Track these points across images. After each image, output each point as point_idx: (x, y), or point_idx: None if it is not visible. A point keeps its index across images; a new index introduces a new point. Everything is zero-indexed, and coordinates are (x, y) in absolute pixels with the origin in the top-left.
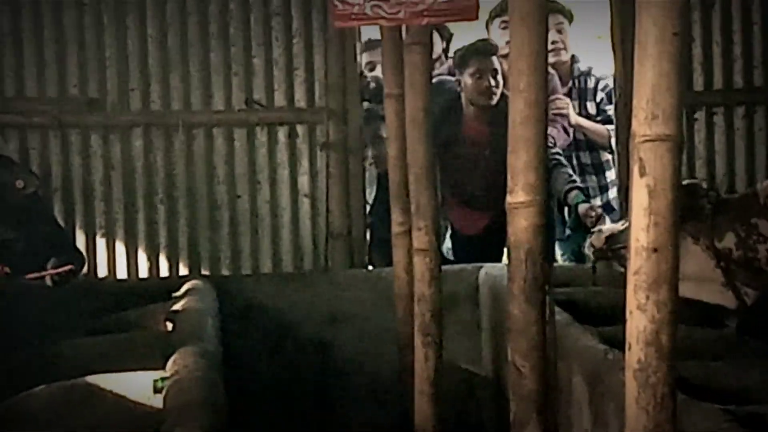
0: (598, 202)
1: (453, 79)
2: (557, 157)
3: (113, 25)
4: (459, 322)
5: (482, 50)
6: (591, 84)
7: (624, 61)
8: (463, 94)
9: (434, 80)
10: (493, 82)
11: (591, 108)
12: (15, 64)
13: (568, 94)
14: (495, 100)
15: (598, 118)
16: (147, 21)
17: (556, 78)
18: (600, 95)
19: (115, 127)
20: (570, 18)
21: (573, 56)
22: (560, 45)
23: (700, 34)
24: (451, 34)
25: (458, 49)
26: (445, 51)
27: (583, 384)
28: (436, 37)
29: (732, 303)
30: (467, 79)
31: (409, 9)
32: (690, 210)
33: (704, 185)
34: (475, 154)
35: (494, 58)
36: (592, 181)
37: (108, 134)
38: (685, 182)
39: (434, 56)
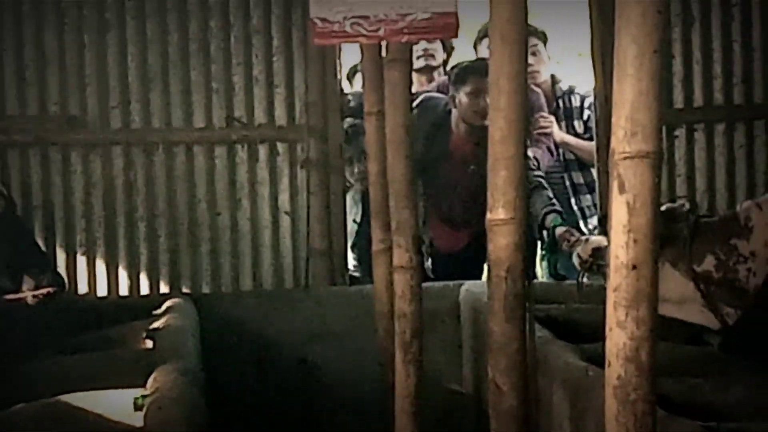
0: (594, 221)
1: (441, 96)
2: (539, 179)
3: (94, 43)
4: (440, 339)
5: (480, 70)
6: (576, 102)
7: (604, 78)
8: (454, 112)
9: (421, 96)
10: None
11: (578, 126)
12: None
13: (554, 115)
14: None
15: (586, 136)
16: (127, 39)
17: (542, 97)
18: (587, 113)
19: (96, 145)
20: (544, 40)
21: (553, 76)
22: (535, 67)
23: (680, 51)
24: (452, 48)
25: (454, 66)
26: (445, 63)
27: (564, 401)
28: (438, 46)
29: (713, 323)
30: (463, 98)
31: (388, 26)
32: (668, 236)
33: (685, 205)
34: (460, 172)
35: None
36: (587, 200)
37: (88, 152)
38: (663, 207)
39: (435, 64)
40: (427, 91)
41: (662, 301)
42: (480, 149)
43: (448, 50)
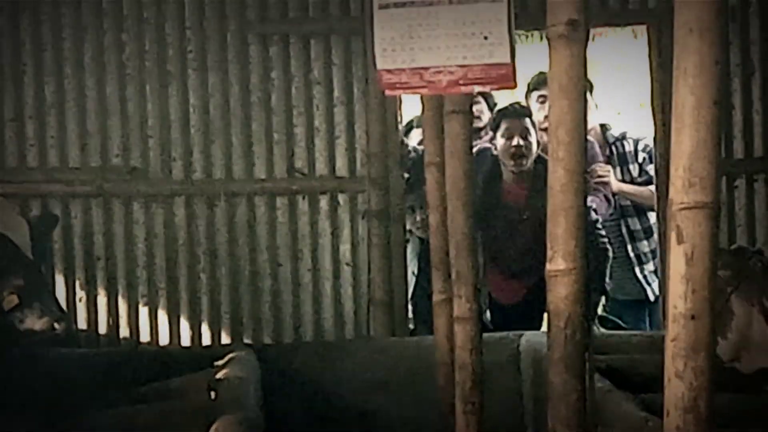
0: (650, 267)
1: (491, 146)
2: (604, 241)
3: (156, 94)
4: (501, 390)
5: (513, 112)
6: (629, 147)
7: (664, 128)
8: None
9: (475, 149)
10: (522, 142)
11: (634, 171)
12: (58, 133)
13: (608, 162)
14: (527, 162)
15: (640, 180)
16: (189, 90)
17: (597, 146)
18: (641, 155)
19: (157, 195)
20: (590, 87)
21: (603, 125)
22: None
23: (740, 101)
24: (495, 104)
25: (496, 111)
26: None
27: None
28: (483, 107)
29: None
30: (499, 140)
31: (447, 77)
32: (740, 272)
33: (751, 248)
34: (514, 220)
35: (526, 120)
36: (643, 246)
37: (150, 203)
38: (732, 247)
39: (481, 125)
40: (480, 144)
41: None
42: (531, 194)
43: (491, 107)
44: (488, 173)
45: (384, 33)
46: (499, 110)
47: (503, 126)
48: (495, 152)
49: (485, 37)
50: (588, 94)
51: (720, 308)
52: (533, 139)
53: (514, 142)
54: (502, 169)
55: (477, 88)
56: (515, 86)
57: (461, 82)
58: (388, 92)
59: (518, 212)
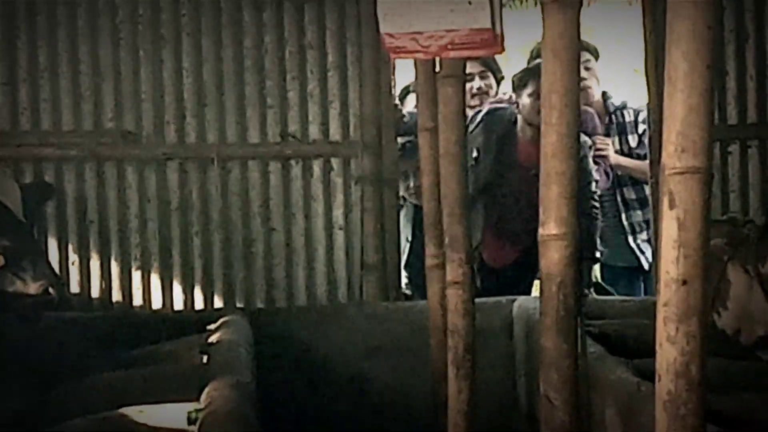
0: (644, 236)
1: (506, 106)
2: (594, 206)
3: (149, 59)
4: (493, 355)
5: (540, 72)
6: (629, 117)
7: (658, 94)
8: (519, 117)
9: (486, 108)
10: None
11: (632, 141)
12: (51, 97)
13: (607, 131)
14: None
15: (639, 151)
16: (182, 54)
17: (596, 117)
18: (642, 127)
19: (151, 160)
20: (596, 55)
21: (604, 93)
22: (587, 83)
23: (734, 67)
24: (502, 77)
25: (516, 74)
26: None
27: (616, 417)
28: (492, 81)
29: None
30: (525, 100)
31: (437, 42)
32: (735, 240)
33: (742, 218)
34: (525, 179)
35: None
36: (637, 216)
37: (143, 167)
38: (724, 217)
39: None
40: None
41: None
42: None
43: (498, 82)
44: (503, 134)
45: None
46: (525, 70)
47: (531, 86)
48: (517, 111)
49: (469, 2)
50: (594, 61)
51: (718, 278)
52: None
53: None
54: (518, 129)
55: (465, 53)
56: (501, 51)
57: (449, 47)
58: (392, 56)
59: (530, 172)
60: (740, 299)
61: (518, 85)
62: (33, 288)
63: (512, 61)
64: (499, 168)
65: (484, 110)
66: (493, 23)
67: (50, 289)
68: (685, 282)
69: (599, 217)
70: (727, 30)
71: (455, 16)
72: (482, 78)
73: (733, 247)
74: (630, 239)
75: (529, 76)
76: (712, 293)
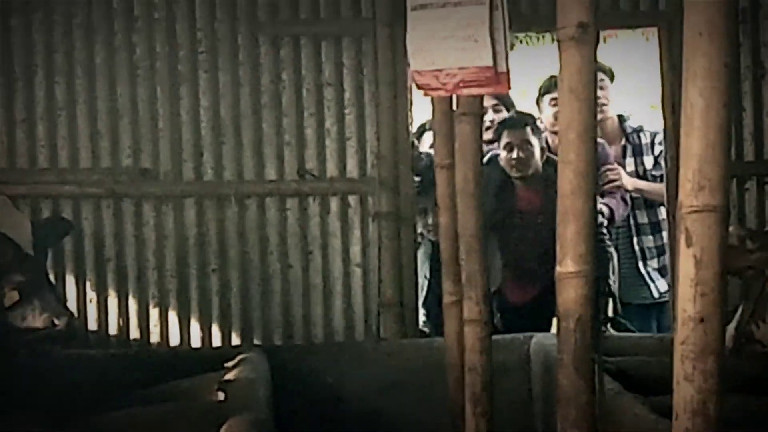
0: (654, 264)
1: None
2: (607, 244)
3: (166, 95)
4: (511, 392)
5: (512, 123)
6: (646, 139)
7: (675, 131)
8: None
9: (489, 154)
10: (522, 154)
11: (648, 163)
12: (69, 134)
13: (622, 153)
14: (528, 171)
15: (655, 173)
16: (199, 91)
17: (607, 147)
18: (658, 148)
19: (168, 197)
20: (611, 76)
21: (621, 116)
22: (603, 101)
23: (750, 103)
24: (515, 108)
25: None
26: None
27: None
28: (505, 115)
29: None
30: (502, 152)
31: (452, 80)
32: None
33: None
34: (529, 225)
35: (527, 129)
36: (649, 241)
37: (161, 204)
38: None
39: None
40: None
41: None
42: (544, 198)
43: (509, 110)
44: (500, 180)
45: (414, 34)
46: (500, 122)
47: (504, 138)
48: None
49: (475, 40)
50: (608, 81)
51: (759, 291)
52: (535, 146)
53: (514, 154)
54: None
55: (475, 91)
56: (506, 89)
57: (461, 84)
58: (422, 93)
59: (532, 217)
60: None
61: (497, 138)
62: (39, 321)
63: (530, 96)
64: (500, 212)
65: (487, 156)
66: (495, 61)
67: (56, 321)
68: (702, 320)
69: (610, 250)
70: (743, 66)
71: (464, 54)
72: (496, 112)
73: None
74: (640, 265)
75: (502, 128)
76: (752, 306)
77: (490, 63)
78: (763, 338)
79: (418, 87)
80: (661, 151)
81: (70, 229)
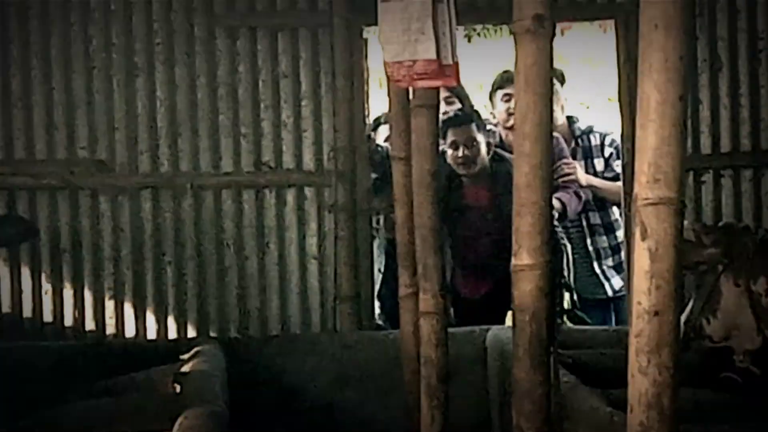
0: (609, 262)
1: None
2: (559, 237)
3: (122, 88)
4: (467, 385)
5: (457, 120)
6: (596, 141)
7: (631, 123)
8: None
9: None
10: (467, 152)
11: (599, 165)
12: (25, 126)
13: (573, 155)
14: (474, 168)
15: (607, 175)
16: (156, 83)
17: (562, 142)
18: (608, 150)
19: (124, 189)
20: (561, 80)
21: (569, 117)
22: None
23: (707, 96)
24: (471, 105)
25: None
26: None
27: None
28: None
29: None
30: (447, 150)
31: (408, 72)
32: (731, 251)
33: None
34: (477, 221)
35: (471, 126)
36: (603, 241)
37: (117, 196)
38: (721, 224)
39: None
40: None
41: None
42: (493, 194)
43: (465, 106)
44: (448, 176)
45: (383, 26)
46: (444, 120)
47: (449, 136)
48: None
49: (422, 33)
50: (559, 85)
51: (710, 287)
52: (481, 143)
53: (460, 152)
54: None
55: (426, 83)
56: (454, 83)
57: (415, 76)
58: (395, 84)
59: (481, 213)
60: (730, 312)
61: (442, 135)
62: None
63: (486, 89)
64: (449, 209)
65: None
66: (440, 54)
67: None
68: (657, 313)
69: (564, 242)
70: (700, 59)
71: (415, 47)
72: (448, 104)
73: (729, 258)
74: (595, 264)
75: (446, 126)
76: (703, 300)
77: (434, 56)
78: (713, 333)
79: (388, 78)
80: (611, 153)
81: (32, 234)
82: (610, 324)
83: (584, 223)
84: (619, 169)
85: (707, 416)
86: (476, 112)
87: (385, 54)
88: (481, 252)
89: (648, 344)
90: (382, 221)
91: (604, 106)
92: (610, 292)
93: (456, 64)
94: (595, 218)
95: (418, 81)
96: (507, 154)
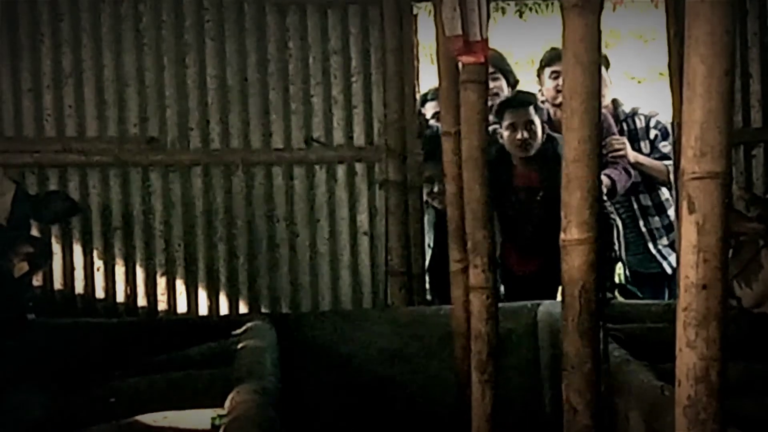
0: (664, 241)
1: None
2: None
3: (173, 64)
4: (517, 359)
5: (515, 103)
6: (641, 123)
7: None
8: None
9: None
10: (526, 134)
11: (644, 147)
12: (76, 103)
13: None
14: (531, 151)
15: (653, 156)
16: (206, 60)
17: (610, 118)
18: (653, 132)
19: (175, 165)
20: (606, 64)
21: (615, 100)
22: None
23: (758, 70)
24: (517, 81)
25: (498, 102)
26: None
27: (639, 421)
28: (503, 83)
29: None
30: (504, 132)
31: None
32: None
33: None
34: (527, 201)
35: (530, 109)
36: (656, 222)
37: (168, 173)
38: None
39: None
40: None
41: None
42: (543, 175)
43: (513, 84)
44: (497, 157)
45: (445, 2)
46: (502, 102)
47: (507, 119)
48: (501, 141)
49: (454, 9)
50: (604, 69)
51: (750, 258)
52: (538, 126)
53: (518, 135)
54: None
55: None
56: (481, 59)
57: (457, 52)
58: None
59: (531, 194)
60: (767, 285)
61: (497, 117)
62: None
63: (537, 64)
64: (497, 191)
65: None
66: (465, 31)
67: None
68: (704, 287)
69: (614, 217)
70: (750, 32)
71: (450, 23)
72: (493, 80)
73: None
74: (650, 246)
75: (504, 107)
76: (738, 268)
77: (459, 32)
78: (742, 296)
79: (438, 54)
80: (656, 135)
81: (76, 211)
82: (663, 299)
83: (635, 205)
84: (665, 150)
85: (756, 389)
86: (532, 94)
87: (446, 29)
88: (531, 230)
89: (696, 318)
90: (433, 191)
91: (655, 81)
92: (669, 270)
93: (485, 40)
94: (646, 200)
95: (459, 56)
96: (556, 135)
